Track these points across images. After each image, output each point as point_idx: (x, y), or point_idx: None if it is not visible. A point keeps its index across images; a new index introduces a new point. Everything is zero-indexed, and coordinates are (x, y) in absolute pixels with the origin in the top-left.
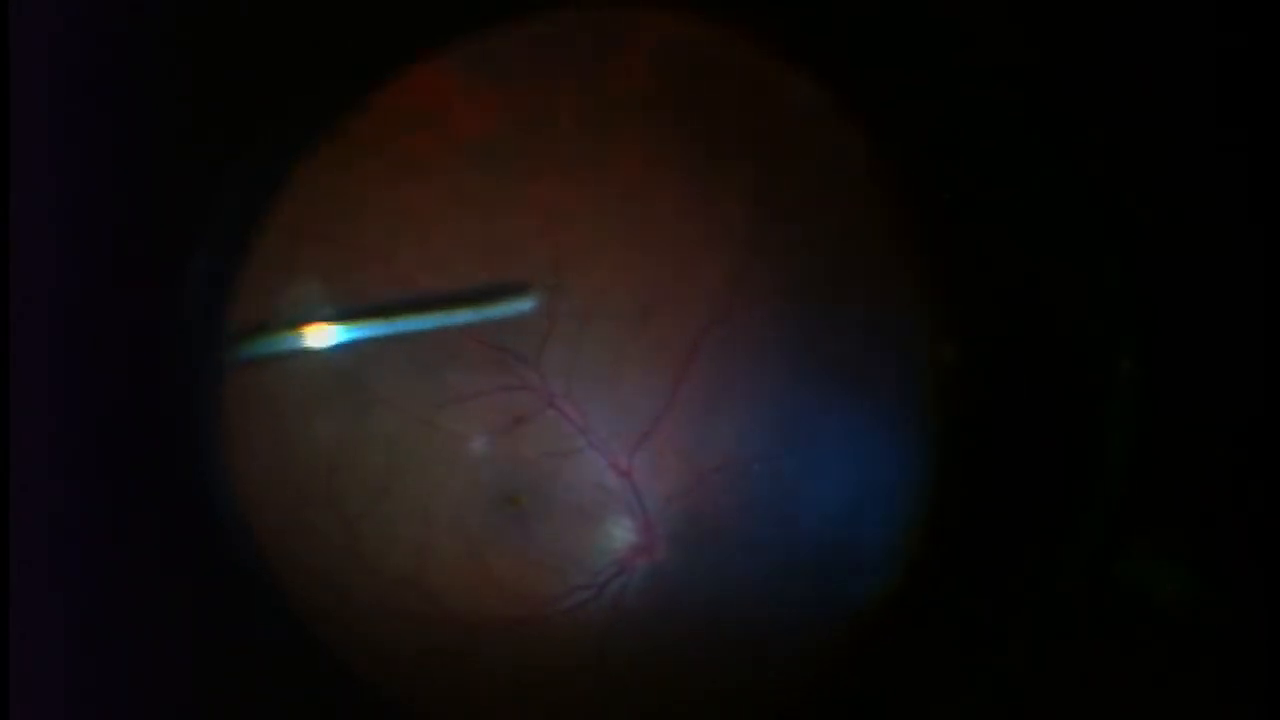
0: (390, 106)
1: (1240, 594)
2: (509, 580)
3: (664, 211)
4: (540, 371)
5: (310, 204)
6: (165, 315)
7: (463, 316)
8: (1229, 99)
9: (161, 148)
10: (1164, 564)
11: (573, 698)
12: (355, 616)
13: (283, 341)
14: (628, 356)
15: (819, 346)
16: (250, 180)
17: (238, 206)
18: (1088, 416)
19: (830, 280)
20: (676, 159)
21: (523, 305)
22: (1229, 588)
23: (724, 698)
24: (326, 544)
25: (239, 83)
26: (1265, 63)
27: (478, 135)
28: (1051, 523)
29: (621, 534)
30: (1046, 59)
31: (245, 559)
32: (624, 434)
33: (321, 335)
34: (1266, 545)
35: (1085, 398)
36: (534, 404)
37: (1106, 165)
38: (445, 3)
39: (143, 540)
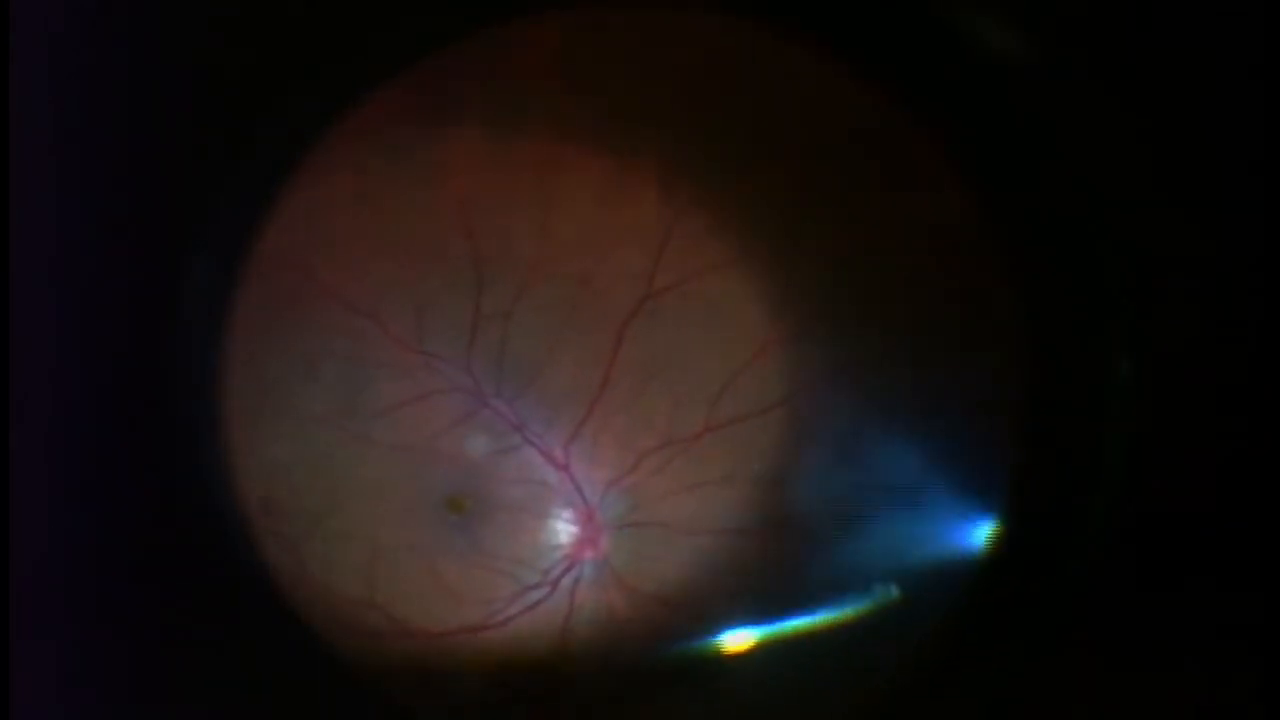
0: None
1: None
2: (462, 587)
3: (581, 198)
4: (471, 371)
5: None
6: (165, 315)
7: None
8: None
9: (162, 148)
10: None
11: (544, 690)
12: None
13: None
14: (557, 347)
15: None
16: (250, 182)
17: (237, 208)
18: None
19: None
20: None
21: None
22: None
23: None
24: (277, 568)
25: (239, 83)
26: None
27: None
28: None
29: (565, 528)
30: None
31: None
32: (559, 426)
33: None
34: None
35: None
36: (468, 405)
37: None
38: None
39: (139, 539)
